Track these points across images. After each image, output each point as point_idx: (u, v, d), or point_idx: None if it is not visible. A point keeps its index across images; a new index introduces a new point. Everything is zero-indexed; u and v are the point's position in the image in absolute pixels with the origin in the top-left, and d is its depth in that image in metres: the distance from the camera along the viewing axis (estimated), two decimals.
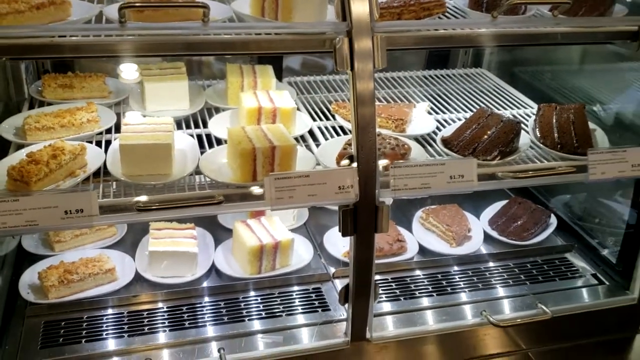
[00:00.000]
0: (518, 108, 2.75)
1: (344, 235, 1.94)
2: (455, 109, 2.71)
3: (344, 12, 1.84)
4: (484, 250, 2.60)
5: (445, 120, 2.59)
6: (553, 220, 2.76)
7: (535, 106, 2.72)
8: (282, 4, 1.91)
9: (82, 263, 2.21)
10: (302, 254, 2.46)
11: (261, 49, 1.91)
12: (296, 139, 2.17)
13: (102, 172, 1.99)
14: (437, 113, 2.66)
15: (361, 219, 1.92)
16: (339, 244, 2.51)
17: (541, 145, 2.30)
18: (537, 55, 3.08)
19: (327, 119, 2.54)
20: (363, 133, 1.86)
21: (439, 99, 2.82)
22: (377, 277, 2.02)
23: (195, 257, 2.29)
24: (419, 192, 1.95)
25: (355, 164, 1.87)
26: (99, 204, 1.70)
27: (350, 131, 2.37)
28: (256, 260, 2.31)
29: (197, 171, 2.02)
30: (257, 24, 1.93)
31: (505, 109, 2.74)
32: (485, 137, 2.25)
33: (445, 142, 2.29)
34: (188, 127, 2.36)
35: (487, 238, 2.66)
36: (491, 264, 2.56)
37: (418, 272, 2.47)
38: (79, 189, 1.82)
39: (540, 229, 2.69)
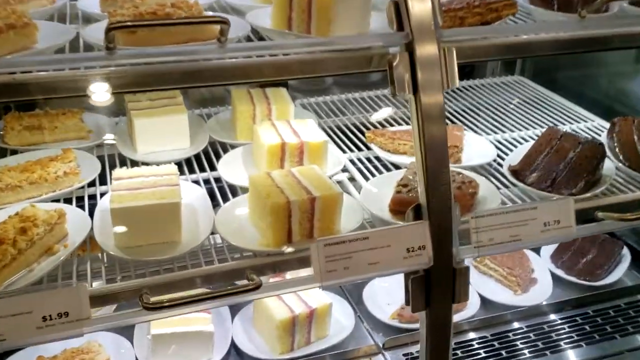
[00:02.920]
0: (577, 122, 2.33)
1: (414, 311, 1.48)
2: (500, 128, 2.25)
3: (400, 19, 1.40)
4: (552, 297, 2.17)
5: (500, 142, 2.15)
6: (625, 252, 2.34)
7: (595, 119, 2.32)
8: (317, 14, 1.46)
9: (64, 358, 1.72)
10: (340, 318, 2.00)
11: (292, 73, 1.47)
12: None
13: (88, 245, 1.52)
14: (485, 134, 2.22)
15: (435, 288, 1.47)
16: (381, 301, 2.07)
17: (626, 168, 1.89)
18: (586, 57, 2.66)
19: (359, 149, 2.08)
20: (434, 177, 1.42)
21: (474, 114, 2.37)
22: None
23: (211, 337, 1.82)
24: (507, 248, 1.51)
25: (425, 218, 1.42)
26: (89, 294, 1.24)
27: (392, 164, 1.94)
28: (287, 335, 1.85)
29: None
30: (290, 42, 1.47)
31: (560, 124, 2.31)
32: (564, 164, 1.82)
33: (515, 172, 1.85)
34: (192, 171, 1.89)
35: (553, 278, 2.23)
36: (560, 314, 2.12)
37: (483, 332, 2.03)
38: (61, 284, 1.33)
39: (614, 264, 2.27)
